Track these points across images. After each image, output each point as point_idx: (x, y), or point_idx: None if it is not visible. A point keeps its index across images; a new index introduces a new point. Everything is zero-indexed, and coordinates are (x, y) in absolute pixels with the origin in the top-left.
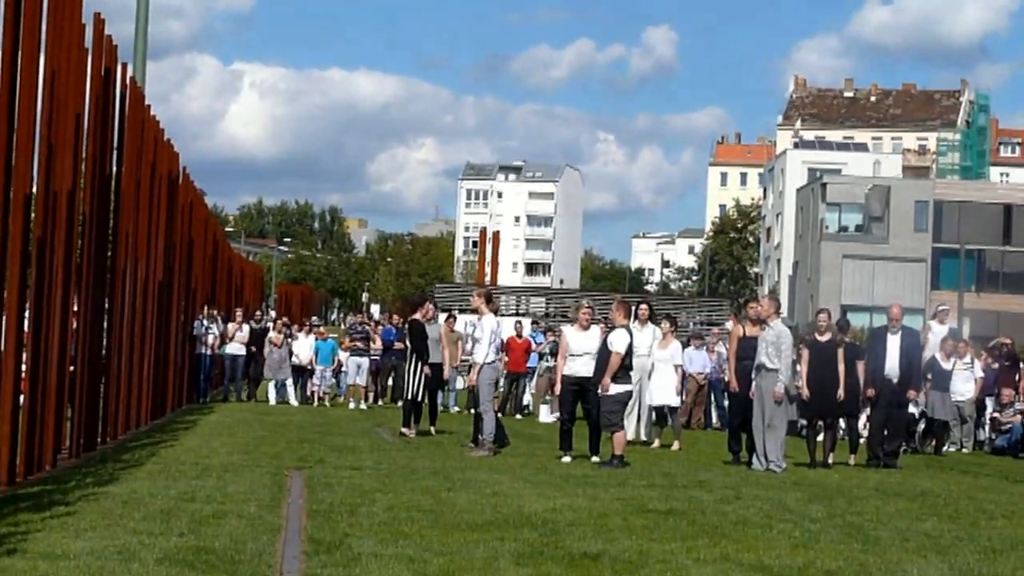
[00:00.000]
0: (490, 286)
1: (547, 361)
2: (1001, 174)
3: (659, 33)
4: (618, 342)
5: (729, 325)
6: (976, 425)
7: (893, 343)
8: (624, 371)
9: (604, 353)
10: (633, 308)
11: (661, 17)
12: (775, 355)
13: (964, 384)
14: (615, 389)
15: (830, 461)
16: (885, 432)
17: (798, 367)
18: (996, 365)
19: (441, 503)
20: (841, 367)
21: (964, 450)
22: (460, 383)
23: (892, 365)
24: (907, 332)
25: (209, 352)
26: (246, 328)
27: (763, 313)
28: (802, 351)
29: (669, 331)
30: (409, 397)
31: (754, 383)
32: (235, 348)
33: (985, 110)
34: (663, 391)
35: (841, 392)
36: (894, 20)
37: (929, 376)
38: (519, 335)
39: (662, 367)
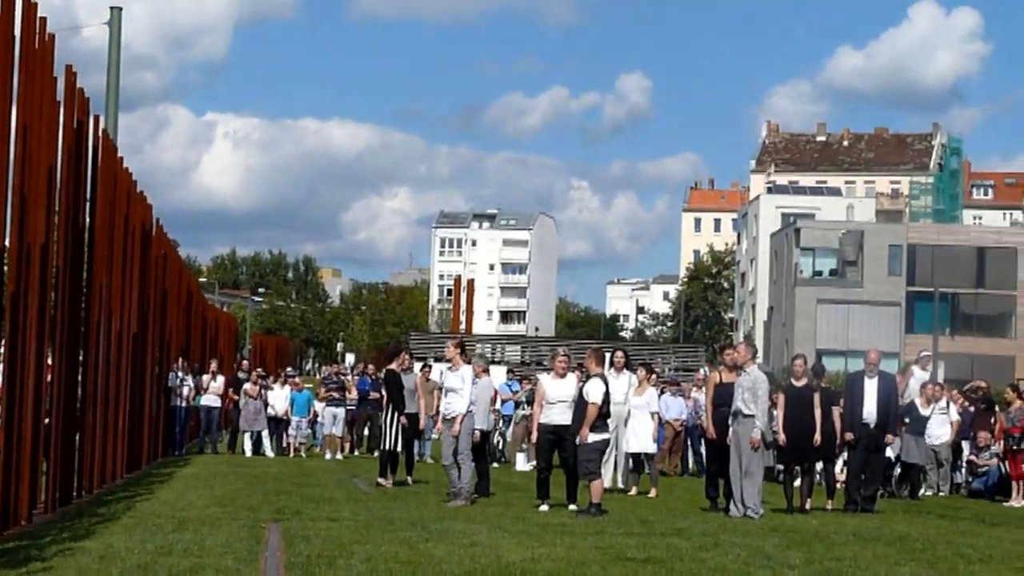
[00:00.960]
0: (464, 334)
1: (523, 409)
2: (974, 217)
3: (633, 80)
4: (594, 392)
5: (704, 372)
6: (952, 468)
7: (870, 387)
8: (602, 419)
9: (581, 403)
10: (608, 356)
11: (635, 64)
12: (752, 401)
13: (940, 427)
14: (593, 438)
15: (807, 506)
16: (862, 477)
17: (775, 413)
18: (972, 408)
19: (419, 554)
20: (817, 412)
21: (941, 493)
22: (437, 433)
23: (869, 410)
24: (883, 376)
25: (184, 404)
26: (220, 379)
27: (739, 359)
28: (778, 397)
29: (645, 378)
30: (386, 447)
31: (731, 429)
32: (210, 400)
33: (957, 153)
34: (640, 438)
35: (818, 437)
36: (867, 65)
37: (906, 420)
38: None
39: (638, 414)
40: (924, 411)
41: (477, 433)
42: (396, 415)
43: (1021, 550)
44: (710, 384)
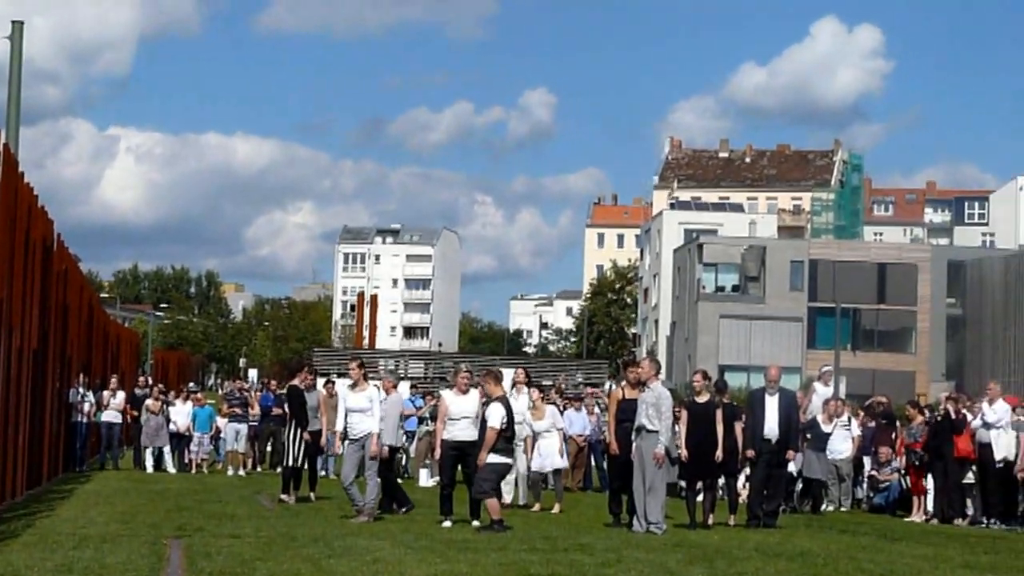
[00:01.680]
0: (367, 350)
1: (427, 425)
2: (875, 233)
3: (537, 96)
4: (493, 416)
5: (611, 386)
6: (854, 483)
7: (771, 404)
8: (505, 441)
9: (484, 425)
10: (509, 374)
11: (539, 80)
12: (656, 417)
13: (842, 443)
14: (493, 459)
15: (710, 522)
16: (764, 492)
17: (677, 428)
18: (873, 423)
19: (322, 571)
20: (720, 428)
21: (842, 508)
22: (340, 449)
23: (771, 426)
24: (784, 393)
25: (85, 420)
26: (120, 395)
27: (643, 375)
28: (681, 412)
29: (538, 399)
30: (288, 463)
31: (634, 445)
32: (110, 415)
33: (858, 170)
34: (547, 457)
35: (720, 453)
36: (769, 82)
37: (808, 436)
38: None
39: (544, 434)
40: (826, 427)
41: (386, 449)
42: (299, 431)
43: (922, 565)
44: (613, 400)
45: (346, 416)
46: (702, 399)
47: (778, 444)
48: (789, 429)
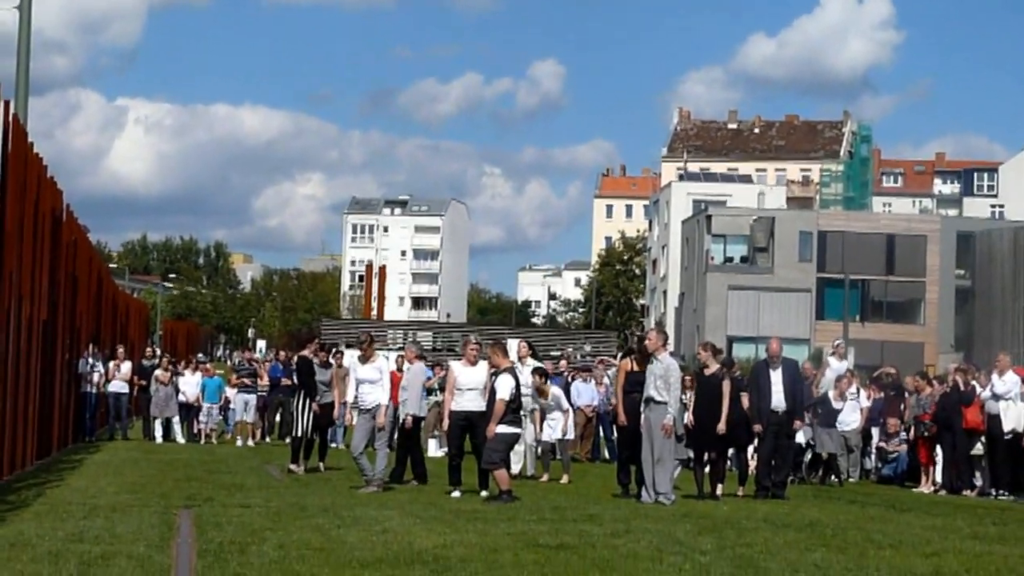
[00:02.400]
0: (375, 320)
1: (435, 396)
2: (884, 204)
3: (546, 67)
4: (503, 387)
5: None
6: (862, 454)
7: (776, 378)
8: (513, 412)
9: (493, 396)
10: (516, 345)
11: (548, 51)
12: (664, 388)
13: (850, 414)
14: (502, 430)
15: (719, 493)
16: (772, 463)
17: (687, 398)
18: (881, 395)
19: (331, 541)
20: (726, 402)
21: (851, 479)
22: (351, 419)
23: (777, 400)
24: (787, 364)
25: (94, 390)
26: (127, 365)
27: (651, 346)
28: (690, 383)
29: (540, 384)
30: (298, 434)
31: (643, 416)
32: (118, 386)
33: (867, 141)
34: (555, 429)
35: (722, 426)
36: (779, 53)
37: (818, 411)
38: (400, 369)
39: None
40: (837, 404)
41: (410, 419)
42: (308, 402)
43: (930, 535)
44: (621, 371)
45: (356, 387)
46: (709, 371)
47: (785, 415)
48: (795, 399)
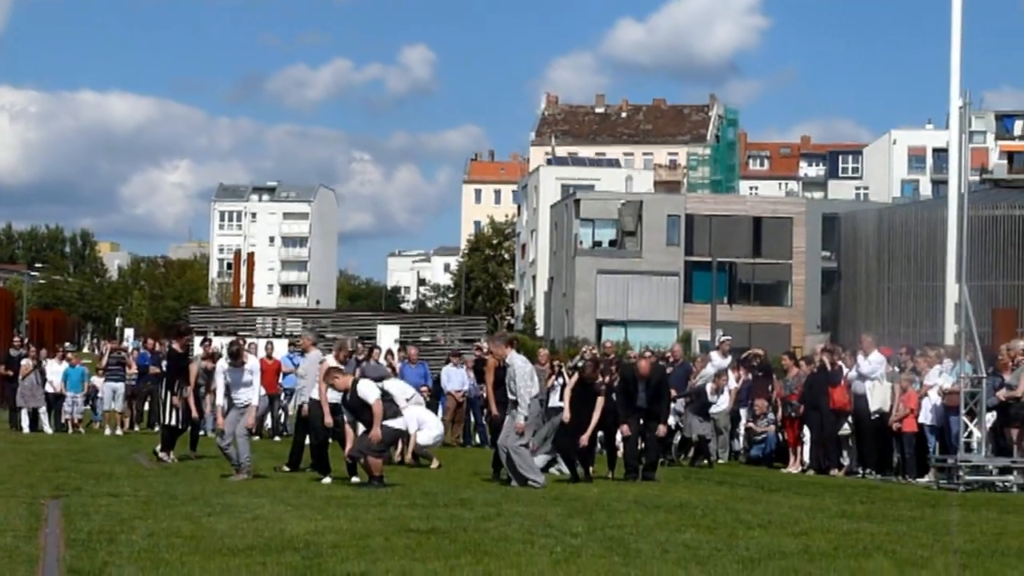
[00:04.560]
0: (245, 307)
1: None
2: (750, 187)
3: (416, 53)
4: (370, 393)
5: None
6: (731, 436)
7: (642, 387)
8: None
9: (362, 404)
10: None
11: (418, 37)
12: (513, 391)
13: (718, 394)
14: (388, 424)
15: (590, 474)
16: (641, 446)
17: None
18: (749, 376)
19: (202, 528)
20: (595, 416)
21: (720, 461)
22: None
23: (642, 402)
24: (655, 370)
25: None
26: None
27: (497, 355)
28: (570, 381)
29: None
30: (168, 422)
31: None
32: None
33: (734, 125)
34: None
35: (584, 439)
36: (647, 38)
37: (691, 399)
38: (269, 356)
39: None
40: (711, 397)
41: (305, 406)
42: (179, 393)
43: (799, 515)
44: (490, 368)
45: (227, 392)
46: (589, 379)
47: (648, 405)
48: (660, 404)
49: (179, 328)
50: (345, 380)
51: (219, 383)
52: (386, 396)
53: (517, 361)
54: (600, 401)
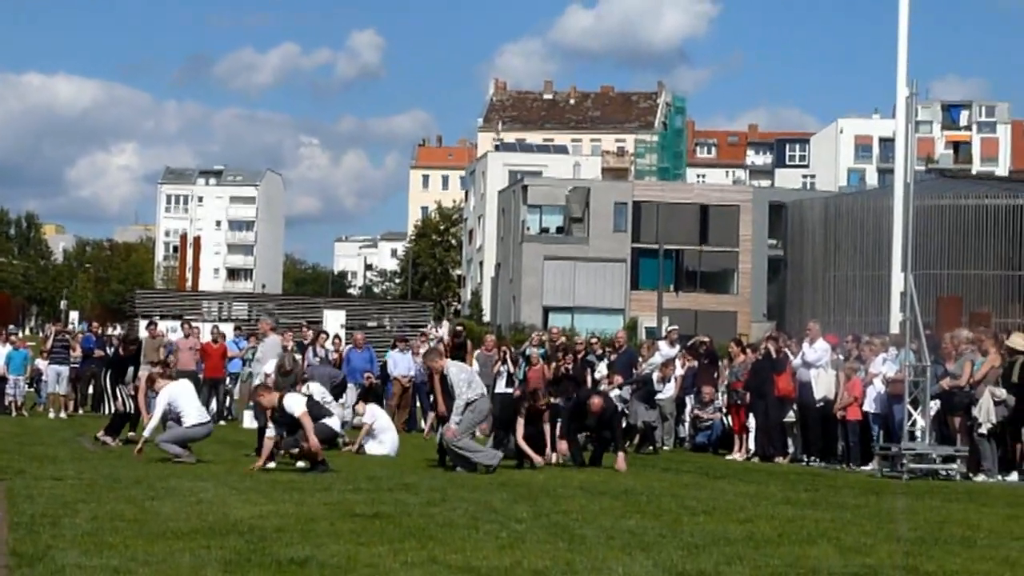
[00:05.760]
0: (189, 291)
1: (250, 367)
2: (698, 175)
3: (365, 37)
4: (296, 406)
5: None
6: (676, 423)
7: (592, 421)
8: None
9: (288, 416)
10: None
11: (367, 22)
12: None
13: (664, 383)
14: (325, 423)
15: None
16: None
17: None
18: (695, 363)
19: (145, 512)
20: (547, 433)
21: (665, 448)
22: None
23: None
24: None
25: None
26: None
27: (435, 369)
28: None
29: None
30: (121, 409)
31: None
32: None
33: (681, 112)
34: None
35: (546, 457)
36: (596, 25)
37: (637, 387)
38: (215, 340)
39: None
40: (658, 386)
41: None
42: (124, 377)
43: (743, 502)
44: (436, 373)
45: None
46: (542, 402)
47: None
48: (611, 431)
49: (128, 337)
50: (271, 397)
51: (158, 409)
52: (311, 400)
53: (452, 370)
54: (547, 429)
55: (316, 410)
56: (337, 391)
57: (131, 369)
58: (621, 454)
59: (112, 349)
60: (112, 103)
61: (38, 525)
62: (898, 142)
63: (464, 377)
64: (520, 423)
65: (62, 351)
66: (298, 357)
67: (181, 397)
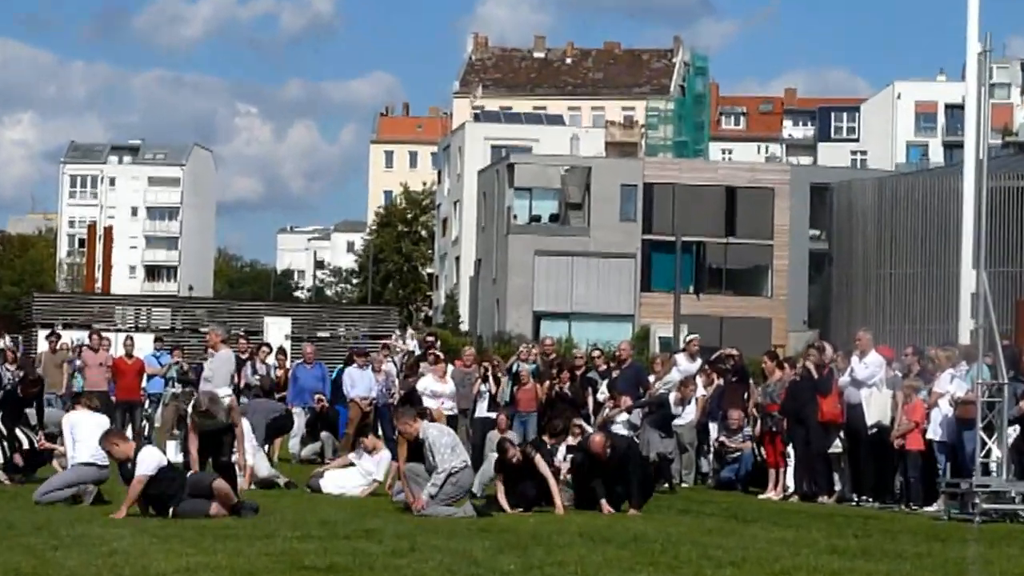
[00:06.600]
0: (99, 294)
1: (173, 387)
2: (723, 151)
3: None
4: (142, 466)
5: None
6: (698, 454)
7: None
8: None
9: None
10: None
11: None
12: (432, 464)
13: (683, 405)
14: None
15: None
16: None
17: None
18: (721, 382)
19: (47, 564)
20: (549, 481)
21: (684, 484)
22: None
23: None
24: (615, 448)
25: None
26: None
27: (409, 433)
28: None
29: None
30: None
31: None
32: None
33: (703, 74)
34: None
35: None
36: None
37: (650, 410)
38: (129, 355)
39: None
40: (675, 409)
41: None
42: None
43: (780, 550)
44: (402, 444)
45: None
46: (511, 454)
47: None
48: (628, 484)
49: (28, 378)
50: (126, 448)
51: (67, 437)
52: (175, 469)
53: (432, 432)
54: (542, 468)
55: (167, 483)
56: (278, 428)
57: (33, 410)
58: (634, 511)
59: (7, 380)
60: (5, 64)
61: None
62: (968, 109)
63: (447, 441)
64: (500, 487)
65: None
66: (225, 398)
67: (79, 426)
